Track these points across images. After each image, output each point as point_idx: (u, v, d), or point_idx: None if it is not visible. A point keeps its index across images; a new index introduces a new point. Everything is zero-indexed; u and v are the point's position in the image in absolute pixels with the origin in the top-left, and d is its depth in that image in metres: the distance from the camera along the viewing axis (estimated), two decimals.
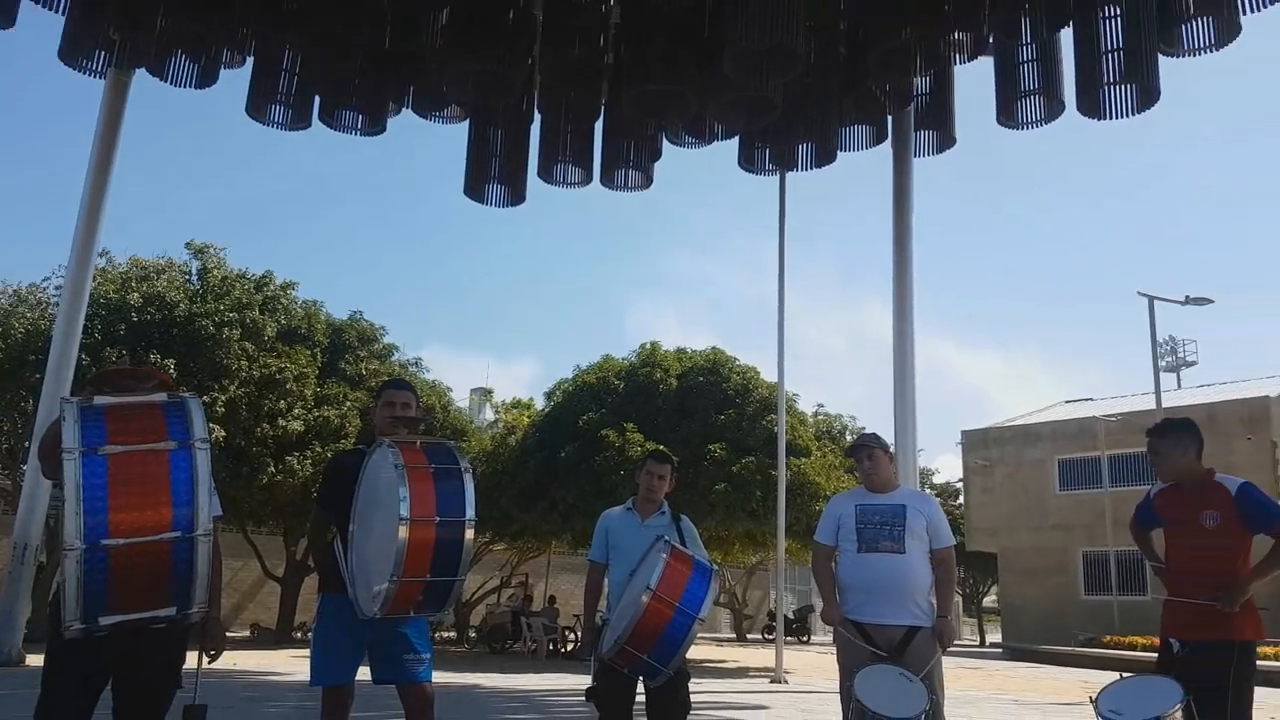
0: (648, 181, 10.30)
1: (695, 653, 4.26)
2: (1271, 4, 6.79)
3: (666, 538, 4.28)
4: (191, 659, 3.17)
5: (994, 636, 36.67)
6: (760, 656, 20.74)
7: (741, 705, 10.49)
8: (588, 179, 10.06)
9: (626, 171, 10.16)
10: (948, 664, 4.54)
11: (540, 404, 22.78)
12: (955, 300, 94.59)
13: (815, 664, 17.60)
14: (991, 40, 8.69)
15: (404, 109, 9.68)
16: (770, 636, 24.27)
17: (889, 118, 9.71)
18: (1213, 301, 23.05)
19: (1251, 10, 6.91)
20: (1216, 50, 7.43)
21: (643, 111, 9.05)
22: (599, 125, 9.91)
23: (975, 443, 31.19)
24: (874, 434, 4.80)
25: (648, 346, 20.35)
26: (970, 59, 9.04)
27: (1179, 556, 4.15)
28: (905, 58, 8.81)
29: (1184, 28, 7.55)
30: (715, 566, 4.32)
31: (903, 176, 9.65)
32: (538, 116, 9.77)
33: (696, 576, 4.09)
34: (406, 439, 3.53)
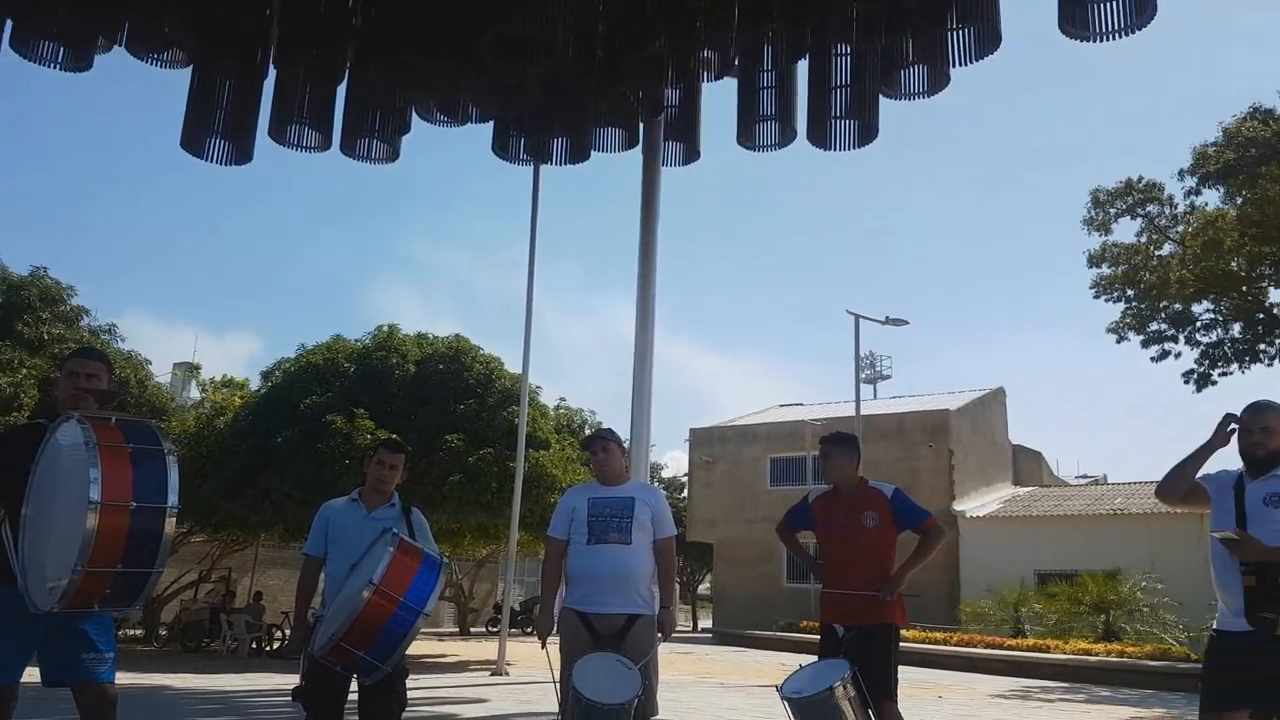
0: (393, 155, 9.86)
1: (415, 648, 4.16)
2: (976, 61, 7.67)
3: (395, 530, 4.12)
4: None
5: (705, 622, 38.91)
6: (484, 650, 20.64)
7: (460, 699, 10.37)
8: (326, 144, 9.45)
9: (370, 142, 9.64)
10: (662, 650, 4.76)
11: (256, 384, 21.26)
12: (691, 303, 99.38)
13: (539, 655, 17.72)
14: (737, 63, 9.15)
15: (116, 46, 8.62)
16: (495, 629, 24.22)
17: (641, 124, 9.97)
18: (908, 323, 25.90)
19: (960, 64, 7.78)
20: (929, 96, 8.30)
21: (391, 82, 8.66)
22: (342, 89, 9.34)
23: (701, 440, 32.94)
24: (609, 429, 4.98)
25: (384, 329, 19.55)
26: (718, 78, 9.47)
27: (841, 553, 4.69)
28: (658, 68, 9.08)
29: (903, 73, 8.36)
30: (445, 560, 4.22)
31: (651, 183, 9.94)
32: (272, 71, 9.03)
33: (424, 571, 3.96)
34: (99, 414, 3.13)
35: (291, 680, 4.27)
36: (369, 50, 8.52)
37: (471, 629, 31.35)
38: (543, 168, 11.43)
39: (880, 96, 8.58)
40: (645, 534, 4.56)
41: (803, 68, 8.96)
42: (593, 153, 10.11)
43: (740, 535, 30.52)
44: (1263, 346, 18.56)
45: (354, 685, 4.10)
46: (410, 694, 4.30)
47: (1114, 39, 7.22)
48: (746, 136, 9.40)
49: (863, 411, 25.91)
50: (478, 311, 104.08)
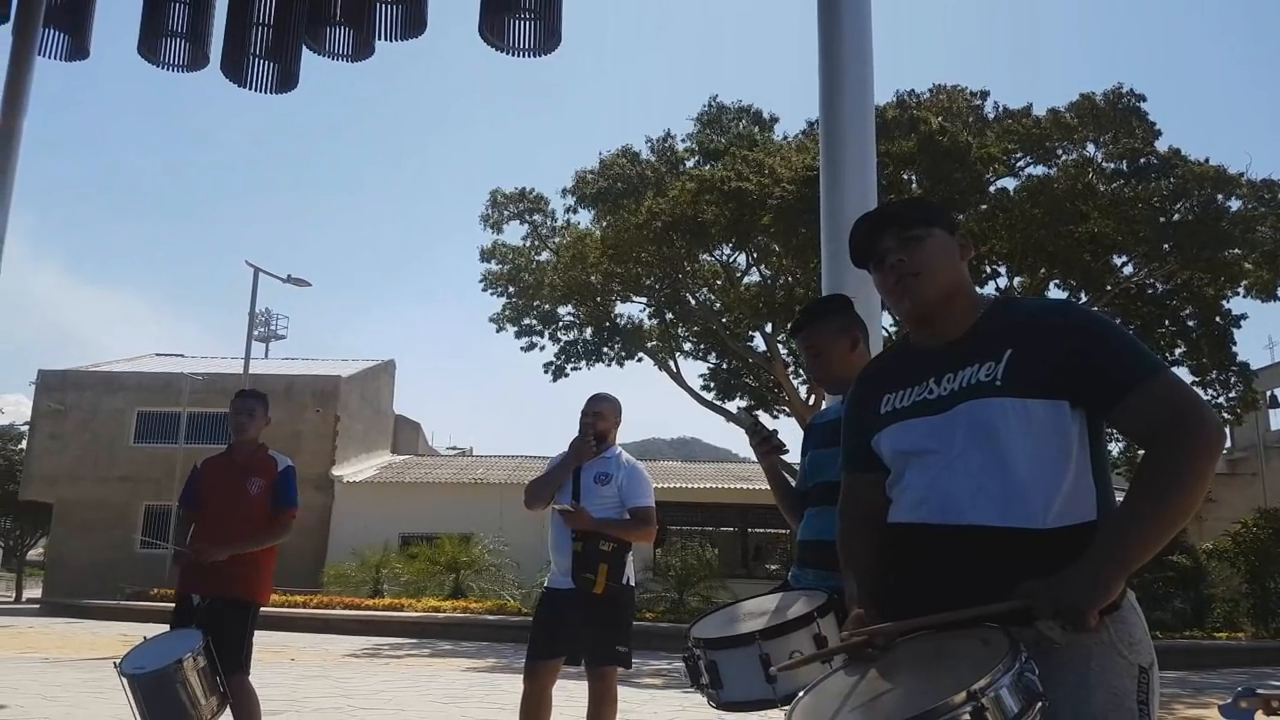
0: None
1: None
2: (402, 39, 7.85)
3: None
4: None
5: (35, 592, 33.62)
6: None
7: None
8: None
9: None
10: None
11: None
12: (73, 221, 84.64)
13: None
14: None
15: None
16: None
17: None
18: (310, 284, 25.47)
19: (386, 39, 7.89)
20: (353, 61, 8.25)
21: None
22: None
23: (53, 384, 28.36)
24: None
25: None
26: None
27: (220, 517, 4.48)
28: None
29: (329, 30, 8.24)
30: None
31: (20, 70, 8.32)
32: None
33: None
34: None
35: None
36: None
37: None
38: None
39: (305, 49, 8.35)
40: None
41: None
42: None
43: (91, 495, 27.00)
44: (606, 349, 22.23)
45: None
46: None
47: (527, 56, 7.97)
48: (149, 50, 8.34)
49: (252, 370, 24.81)
50: None
